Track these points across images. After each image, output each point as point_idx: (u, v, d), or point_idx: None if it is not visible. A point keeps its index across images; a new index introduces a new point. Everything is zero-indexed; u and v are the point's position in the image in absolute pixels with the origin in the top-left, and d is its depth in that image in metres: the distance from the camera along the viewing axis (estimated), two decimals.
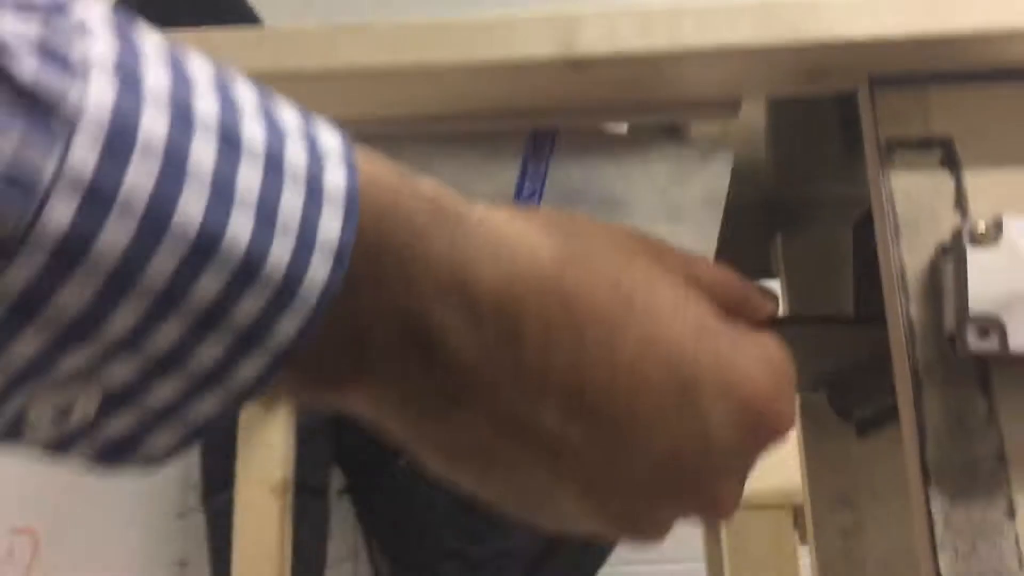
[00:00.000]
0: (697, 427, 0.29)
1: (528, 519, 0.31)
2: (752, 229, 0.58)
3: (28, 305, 0.19)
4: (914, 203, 0.37)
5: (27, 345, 0.19)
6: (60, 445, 0.22)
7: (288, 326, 0.22)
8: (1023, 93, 0.37)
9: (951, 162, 0.37)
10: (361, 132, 0.41)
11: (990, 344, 0.33)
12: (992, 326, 0.33)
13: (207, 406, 0.22)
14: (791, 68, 0.38)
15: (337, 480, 1.54)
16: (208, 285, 0.20)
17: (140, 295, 0.20)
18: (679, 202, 0.41)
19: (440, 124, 0.41)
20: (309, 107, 0.24)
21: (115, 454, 0.23)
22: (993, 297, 0.33)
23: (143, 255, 0.19)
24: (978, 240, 0.33)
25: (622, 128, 0.43)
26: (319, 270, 0.22)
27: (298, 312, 0.22)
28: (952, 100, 0.38)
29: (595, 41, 0.36)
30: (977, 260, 0.33)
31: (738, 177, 0.54)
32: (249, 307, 0.21)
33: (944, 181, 0.37)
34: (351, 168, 0.23)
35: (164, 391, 0.22)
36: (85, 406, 0.22)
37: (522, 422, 0.27)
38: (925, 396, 0.35)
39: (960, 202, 0.36)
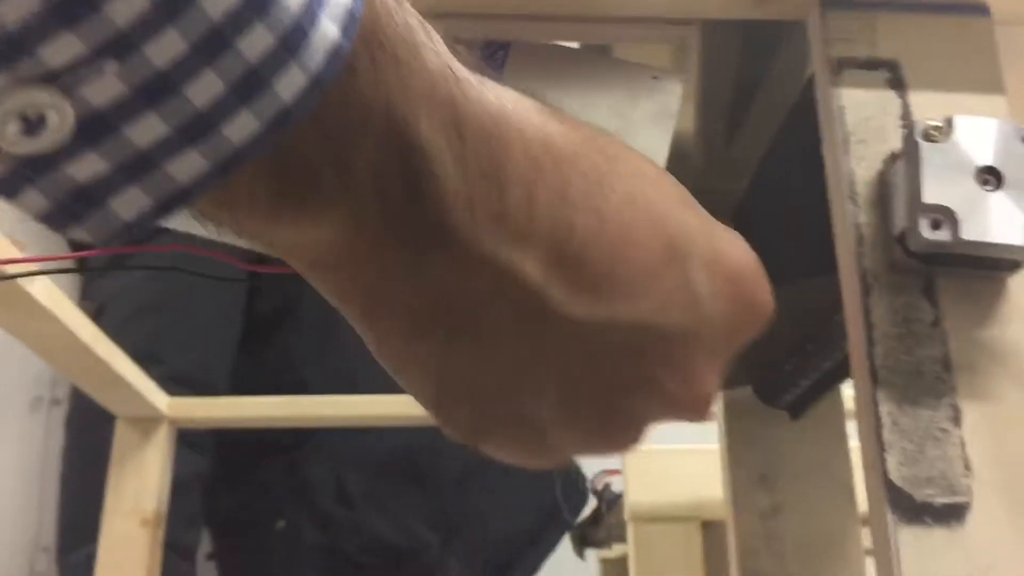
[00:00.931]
0: (684, 292, 0.27)
1: (489, 430, 0.28)
2: None
3: None
4: (862, 118, 0.37)
5: (16, 8, 0.17)
6: (21, 175, 0.19)
7: (293, 82, 0.19)
8: (963, 22, 0.38)
9: (897, 83, 0.37)
10: None
11: (943, 235, 0.32)
12: (945, 217, 0.32)
13: (186, 167, 0.19)
14: None
15: (206, 544, 1.45)
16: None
17: None
18: (631, 118, 0.40)
19: None
20: None
21: (75, 205, 0.19)
22: (945, 191, 0.32)
23: None
24: (930, 136, 0.33)
25: (573, 46, 0.42)
26: (329, 27, 0.19)
27: (305, 68, 0.19)
28: (898, 26, 0.38)
29: None
30: (929, 155, 0.33)
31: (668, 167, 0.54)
32: (256, 42, 0.19)
33: (891, 99, 0.37)
34: None
35: (148, 128, 0.19)
36: (60, 124, 0.18)
37: (503, 266, 0.24)
38: (872, 302, 0.34)
39: (906, 119, 0.36)
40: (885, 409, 0.33)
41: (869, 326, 0.34)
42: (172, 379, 1.18)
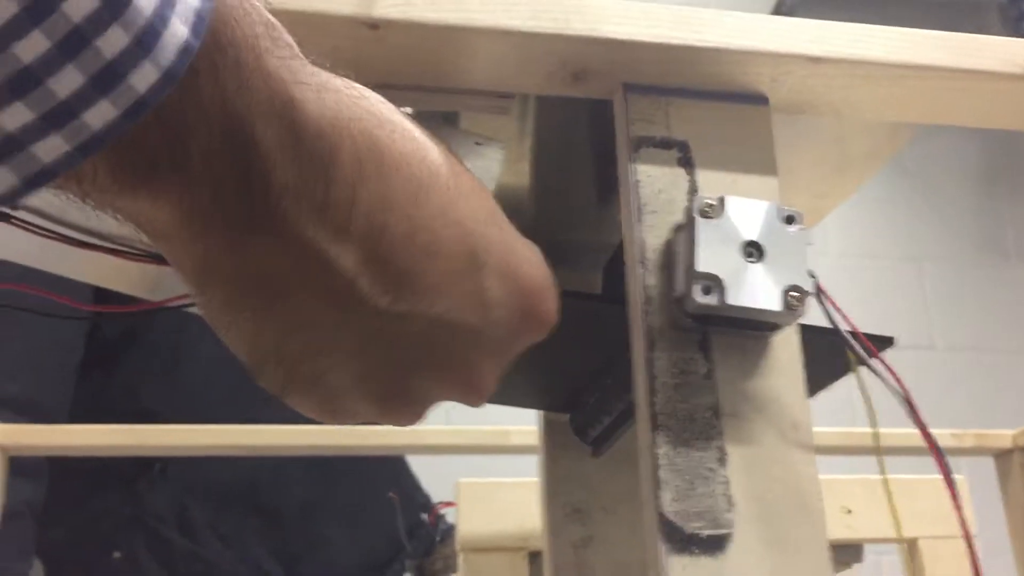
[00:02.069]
0: (476, 297, 0.31)
1: (293, 388, 0.31)
2: None
3: None
4: (655, 191, 0.41)
5: None
6: None
7: (145, 76, 0.22)
8: (744, 109, 0.43)
9: (686, 161, 0.42)
10: None
11: (712, 299, 0.37)
12: (714, 284, 0.37)
13: (50, 149, 0.22)
14: (557, 63, 0.42)
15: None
16: (81, 1, 0.21)
17: None
18: None
19: None
20: None
21: None
22: (716, 261, 0.37)
23: None
24: (705, 213, 0.38)
25: (406, 111, 0.45)
26: (179, 27, 0.23)
27: (156, 64, 0.22)
28: (689, 111, 0.43)
29: (391, 6, 0.39)
30: (704, 230, 0.38)
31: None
32: (114, 40, 0.21)
33: (681, 175, 0.42)
34: None
35: (16, 115, 0.21)
36: None
37: (320, 256, 0.28)
38: (656, 355, 0.39)
39: (692, 193, 0.41)
40: (662, 451, 0.37)
41: (652, 376, 0.38)
42: (3, 404, 1.15)
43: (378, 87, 0.43)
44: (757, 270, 0.37)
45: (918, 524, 0.73)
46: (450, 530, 0.79)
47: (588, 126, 0.54)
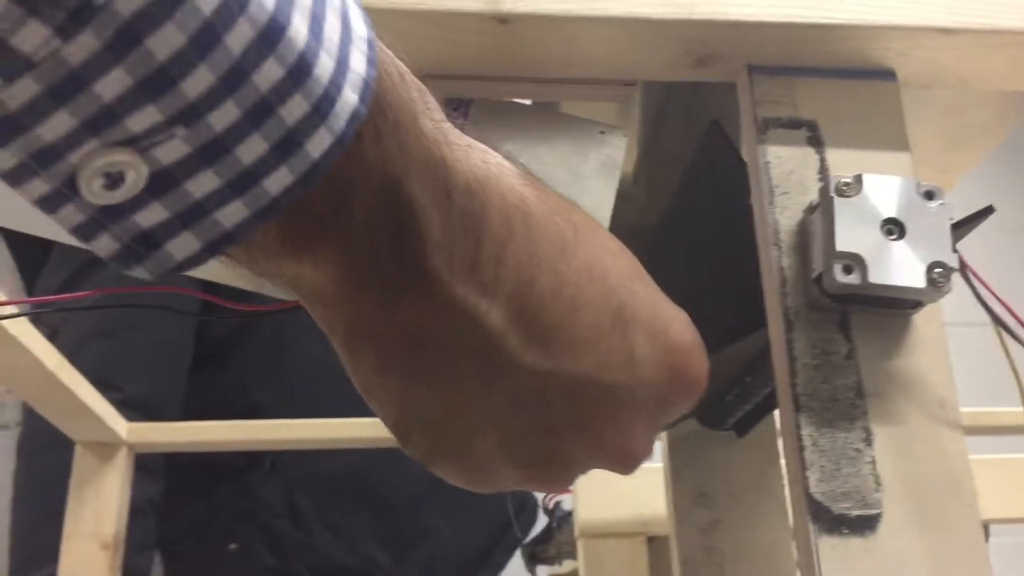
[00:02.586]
0: (624, 355, 0.31)
1: (440, 455, 0.31)
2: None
3: (123, 39, 0.19)
4: (785, 172, 0.41)
5: (111, 85, 0.20)
6: (98, 223, 0.22)
7: (320, 142, 0.23)
8: (872, 85, 0.43)
9: (816, 141, 0.42)
10: None
11: (853, 278, 0.37)
12: (855, 263, 0.37)
13: (232, 214, 0.23)
14: (682, 48, 0.42)
15: (158, 568, 1.45)
16: (269, 72, 0.21)
17: (214, 63, 0.20)
18: (580, 170, 0.44)
19: None
20: None
21: (139, 248, 0.23)
22: (855, 239, 0.37)
23: (223, 22, 0.20)
24: (842, 191, 0.38)
25: (528, 103, 0.46)
26: (350, 95, 0.23)
27: (330, 130, 0.23)
28: (816, 89, 0.43)
29: (519, 1, 0.40)
30: (841, 208, 0.38)
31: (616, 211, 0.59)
32: (295, 108, 0.22)
33: (810, 155, 0.42)
34: (368, 24, 0.25)
35: (204, 182, 0.22)
36: (135, 179, 0.21)
37: (469, 314, 0.28)
38: (794, 336, 0.38)
39: (823, 173, 0.41)
40: (806, 432, 0.37)
41: (792, 358, 0.38)
42: (123, 404, 1.19)
43: (504, 80, 0.44)
44: (899, 247, 0.37)
45: None
46: (566, 517, 0.80)
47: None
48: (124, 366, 1.29)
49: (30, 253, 1.43)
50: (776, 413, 0.56)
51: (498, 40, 0.40)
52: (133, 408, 1.23)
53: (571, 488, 0.34)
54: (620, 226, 0.58)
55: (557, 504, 0.83)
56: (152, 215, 0.22)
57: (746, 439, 0.57)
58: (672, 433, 0.57)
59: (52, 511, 0.95)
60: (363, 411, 1.06)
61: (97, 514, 0.88)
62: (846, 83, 0.43)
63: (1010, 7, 0.43)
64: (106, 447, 0.90)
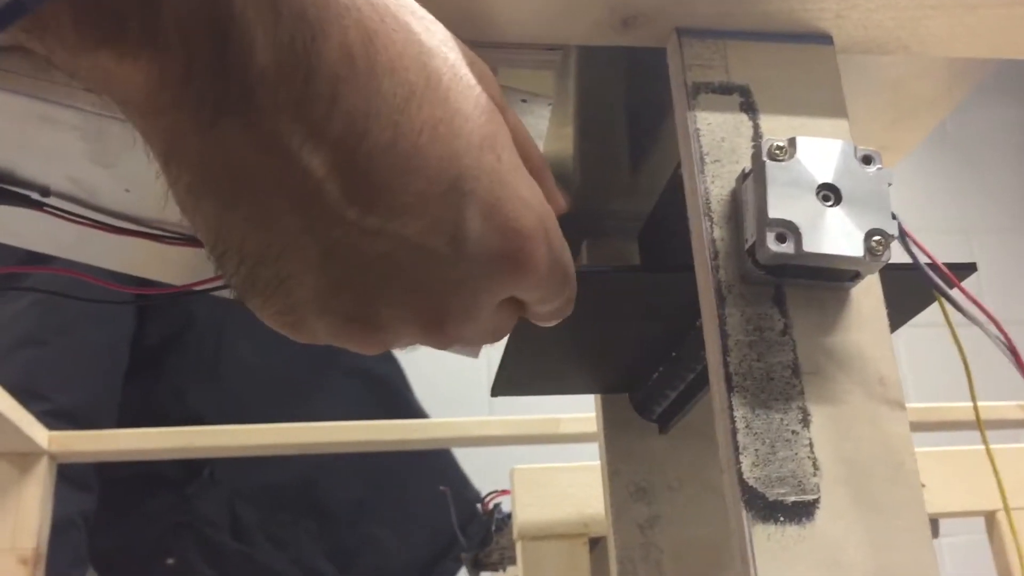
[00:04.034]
0: (452, 227, 0.29)
1: (252, 289, 0.30)
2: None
3: None
4: (717, 139, 0.39)
5: None
6: None
7: None
8: (807, 50, 0.41)
9: (749, 107, 0.39)
10: None
11: (787, 247, 0.34)
12: (789, 231, 0.34)
13: None
14: (605, 9, 0.39)
15: None
16: None
17: None
18: None
19: None
20: None
21: None
22: (789, 206, 0.35)
23: None
24: (775, 156, 0.35)
25: None
26: None
27: None
28: (749, 53, 0.40)
29: None
30: (774, 173, 0.35)
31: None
32: None
33: (743, 121, 0.39)
34: None
35: None
36: None
37: (290, 155, 0.26)
38: (727, 312, 0.36)
39: (756, 139, 0.39)
40: (739, 413, 0.34)
41: (724, 335, 0.36)
42: (54, 414, 1.14)
43: None
44: (835, 214, 0.35)
45: (997, 496, 0.69)
46: (505, 519, 0.77)
47: (623, 84, 0.51)
48: (53, 375, 1.24)
49: None
50: (701, 404, 0.54)
51: None
52: (63, 418, 1.18)
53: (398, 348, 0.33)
54: None
55: (496, 506, 0.80)
56: None
57: (686, 430, 0.54)
58: (608, 426, 0.54)
59: None
60: (303, 417, 1.02)
61: (16, 527, 0.83)
62: (781, 47, 0.41)
63: None
64: (25, 457, 0.85)
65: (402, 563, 1.43)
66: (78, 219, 0.44)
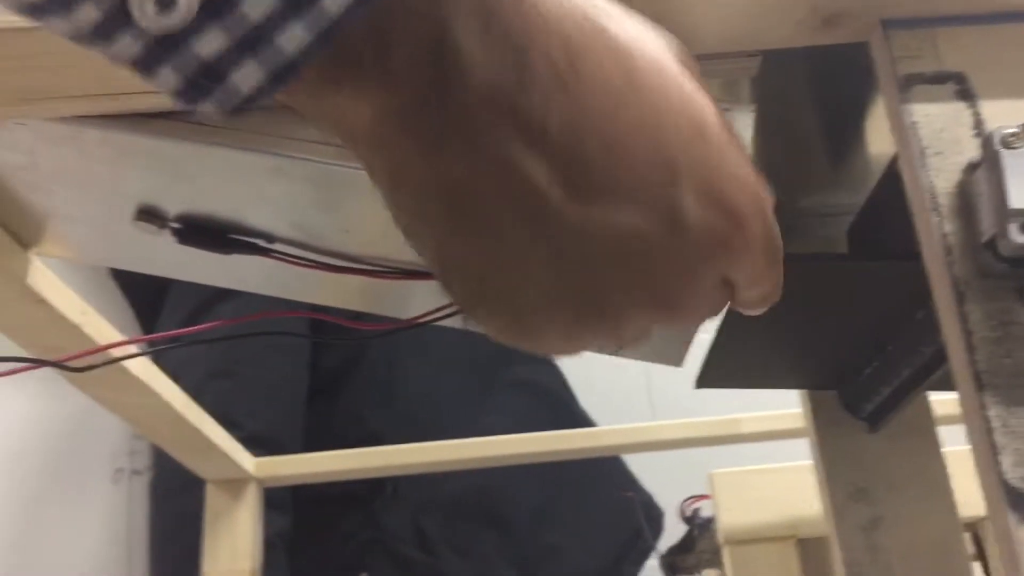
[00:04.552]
0: (668, 212, 0.30)
1: (478, 304, 0.31)
2: None
3: None
4: (935, 130, 0.38)
5: None
6: (157, 54, 0.22)
7: None
8: (1021, 28, 0.39)
9: (966, 94, 0.38)
10: None
11: None
12: None
13: (294, 37, 0.22)
14: (807, 8, 0.39)
15: None
16: None
17: None
18: None
19: None
20: None
21: (202, 80, 0.23)
22: None
23: None
24: (1008, 143, 0.34)
25: None
26: None
27: None
28: (960, 39, 0.39)
29: None
30: (1011, 161, 0.34)
31: None
32: None
33: (962, 110, 0.38)
34: None
35: (259, 2, 0.22)
36: (188, 1, 0.22)
37: (512, 167, 0.27)
38: (968, 309, 0.35)
39: (978, 128, 0.37)
40: (993, 412, 0.33)
41: (967, 332, 0.34)
42: (247, 441, 1.21)
43: None
44: None
45: None
46: (706, 524, 0.77)
47: (815, 82, 0.50)
48: (244, 403, 1.31)
49: (145, 298, 1.47)
50: (927, 397, 0.52)
51: None
52: (255, 444, 1.24)
53: (623, 352, 0.34)
54: None
55: (696, 512, 0.79)
56: (212, 42, 0.22)
57: (901, 427, 0.53)
58: (818, 426, 0.53)
59: (189, 552, 0.97)
60: (476, 432, 1.05)
61: (232, 550, 0.88)
62: (994, 29, 0.39)
63: None
64: (236, 483, 0.90)
65: (585, 568, 1.44)
66: (302, 262, 0.46)
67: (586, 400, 1.61)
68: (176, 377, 1.33)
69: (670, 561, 0.82)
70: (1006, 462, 0.33)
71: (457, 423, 1.40)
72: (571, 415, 1.58)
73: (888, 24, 0.40)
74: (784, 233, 0.63)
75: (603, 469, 1.47)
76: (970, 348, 0.34)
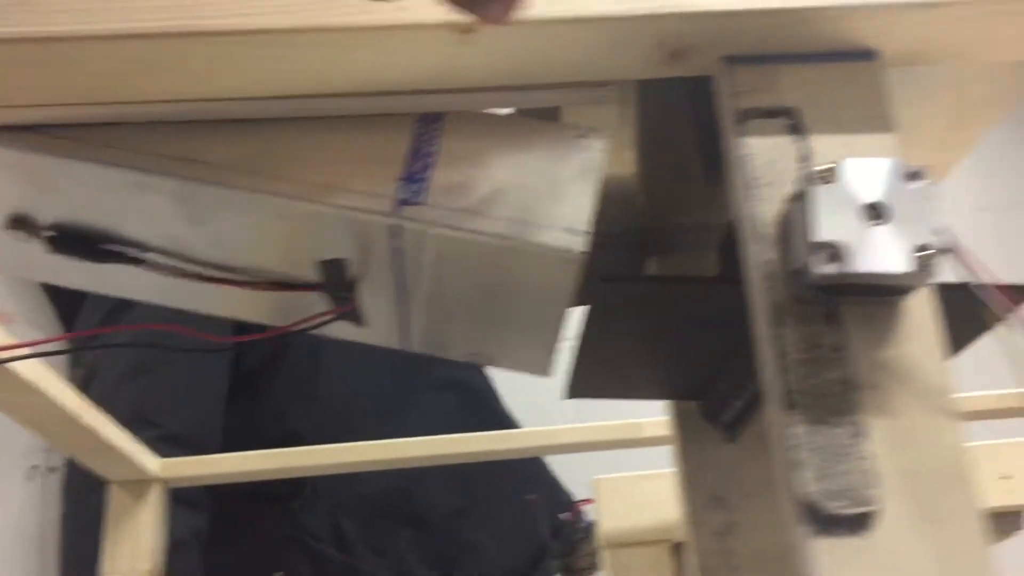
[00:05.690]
0: None
1: None
2: (627, 253, 0.61)
3: None
4: (765, 163, 0.40)
5: None
6: None
7: None
8: (853, 67, 0.42)
9: (797, 128, 0.41)
10: (234, 110, 0.42)
11: (834, 268, 0.35)
12: (835, 252, 0.35)
13: None
14: (653, 44, 0.41)
15: None
16: None
17: None
18: (559, 174, 0.43)
19: (324, 104, 0.43)
20: None
21: None
22: (835, 227, 0.36)
23: None
24: (820, 179, 0.37)
25: (506, 112, 0.45)
26: None
27: None
28: (798, 76, 0.42)
29: None
30: (820, 196, 0.36)
31: (614, 208, 0.58)
32: None
33: (791, 144, 0.40)
34: None
35: None
36: None
37: None
38: (782, 332, 0.37)
39: (805, 161, 0.40)
40: (798, 430, 0.36)
41: (781, 354, 0.37)
42: (164, 439, 1.20)
43: (475, 91, 0.43)
44: (881, 232, 0.36)
45: None
46: (591, 527, 0.79)
47: (691, 103, 0.52)
48: (162, 402, 1.31)
49: (66, 298, 1.46)
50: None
51: (461, 51, 0.40)
52: (173, 443, 1.24)
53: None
54: (615, 227, 0.57)
55: (580, 514, 0.82)
56: None
57: (758, 438, 0.55)
58: (682, 436, 0.56)
59: (96, 552, 0.96)
60: (399, 432, 1.06)
61: (133, 551, 0.88)
62: (828, 66, 0.42)
63: None
64: (139, 484, 0.90)
65: (501, 569, 1.46)
66: (174, 271, 0.47)
67: (514, 403, 1.63)
68: (93, 374, 1.33)
69: (564, 564, 0.84)
70: (805, 477, 0.35)
71: (380, 423, 1.41)
72: (496, 417, 1.60)
73: (731, 60, 0.42)
74: (665, 248, 0.66)
75: (523, 470, 1.49)
76: (783, 369, 0.37)
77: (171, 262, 0.48)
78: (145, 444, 0.95)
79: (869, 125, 0.41)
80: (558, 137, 0.44)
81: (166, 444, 1.19)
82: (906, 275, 0.35)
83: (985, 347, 0.48)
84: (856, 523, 0.34)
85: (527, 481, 1.46)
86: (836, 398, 0.36)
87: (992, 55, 0.44)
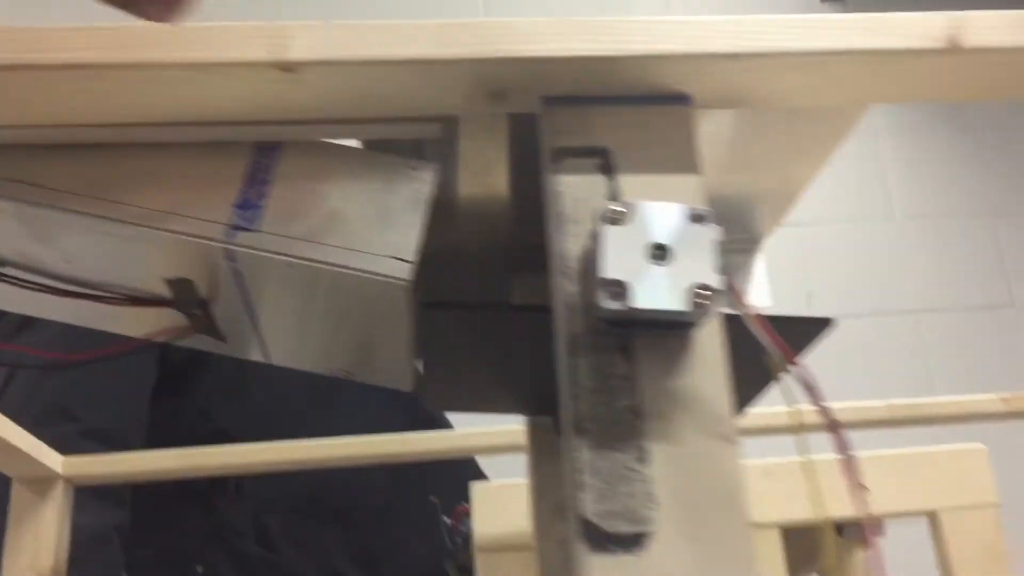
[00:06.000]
0: None
1: None
2: (492, 272, 0.63)
3: None
4: (575, 200, 0.42)
5: None
6: None
7: None
8: (665, 110, 0.44)
9: (607, 167, 0.43)
10: (73, 136, 0.44)
11: (619, 304, 0.38)
12: (621, 289, 0.38)
13: None
14: (473, 83, 0.43)
15: None
16: None
17: None
18: (389, 204, 0.45)
19: (166, 132, 0.45)
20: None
21: None
22: (621, 266, 0.38)
23: None
24: (613, 219, 0.39)
25: (348, 143, 0.48)
26: None
27: None
28: (611, 117, 0.44)
29: (305, 48, 0.41)
30: (613, 236, 0.39)
31: (480, 226, 0.60)
32: None
33: (601, 183, 0.43)
34: None
35: None
36: None
37: None
38: (578, 362, 0.40)
39: (611, 199, 0.42)
40: (584, 454, 0.38)
41: (574, 383, 0.39)
42: (86, 434, 1.21)
43: (303, 123, 0.45)
44: (663, 271, 0.38)
45: (938, 496, 0.72)
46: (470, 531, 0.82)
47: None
48: (84, 396, 1.31)
49: None
50: None
51: (287, 87, 0.42)
52: (94, 438, 1.25)
53: None
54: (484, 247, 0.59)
55: (461, 518, 0.84)
56: None
57: None
58: (533, 448, 0.58)
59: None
60: (325, 431, 1.07)
61: (35, 548, 0.90)
62: (640, 109, 0.44)
63: (799, 28, 0.44)
64: (42, 482, 0.91)
65: (427, 564, 1.48)
66: (26, 285, 0.49)
67: None
68: (14, 371, 1.32)
69: (457, 564, 0.87)
70: (587, 498, 0.37)
71: (308, 422, 1.42)
72: (428, 416, 1.62)
73: (550, 101, 0.44)
74: (534, 268, 0.68)
75: (452, 469, 1.51)
76: (574, 396, 0.39)
77: (27, 276, 0.49)
78: (67, 439, 0.97)
79: (674, 166, 0.43)
80: (391, 168, 0.46)
81: (88, 439, 1.19)
82: (684, 313, 0.38)
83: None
84: (631, 542, 0.37)
85: (456, 479, 1.48)
86: (624, 424, 0.39)
87: (800, 102, 0.46)
